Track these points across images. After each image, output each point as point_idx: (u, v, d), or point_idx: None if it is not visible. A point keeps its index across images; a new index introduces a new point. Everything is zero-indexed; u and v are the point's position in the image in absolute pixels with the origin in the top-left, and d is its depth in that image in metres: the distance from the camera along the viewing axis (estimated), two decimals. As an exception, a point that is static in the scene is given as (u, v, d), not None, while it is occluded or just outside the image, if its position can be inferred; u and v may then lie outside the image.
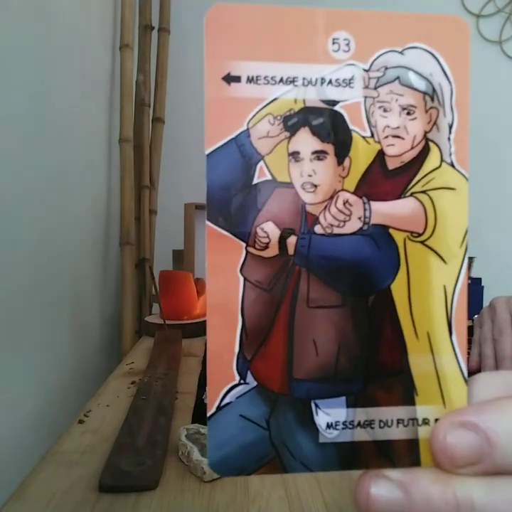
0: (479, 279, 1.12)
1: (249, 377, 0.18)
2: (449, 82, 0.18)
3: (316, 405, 0.18)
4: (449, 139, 0.18)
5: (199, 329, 0.91)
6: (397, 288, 0.18)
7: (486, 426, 0.15)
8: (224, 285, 0.17)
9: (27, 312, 0.60)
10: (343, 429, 0.18)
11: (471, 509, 0.15)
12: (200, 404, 0.55)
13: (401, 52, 0.18)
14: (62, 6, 0.74)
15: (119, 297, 0.99)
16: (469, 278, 1.13)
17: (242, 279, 0.17)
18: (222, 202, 0.17)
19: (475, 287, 1.09)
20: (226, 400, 0.17)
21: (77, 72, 0.82)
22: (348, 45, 0.18)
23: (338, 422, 0.18)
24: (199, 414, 0.53)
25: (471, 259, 1.14)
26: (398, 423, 0.17)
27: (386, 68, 0.18)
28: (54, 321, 0.70)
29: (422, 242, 0.18)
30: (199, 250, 1.06)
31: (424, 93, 0.18)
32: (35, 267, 0.63)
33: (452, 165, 0.18)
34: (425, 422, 0.17)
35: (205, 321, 0.70)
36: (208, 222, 0.17)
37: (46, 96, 0.68)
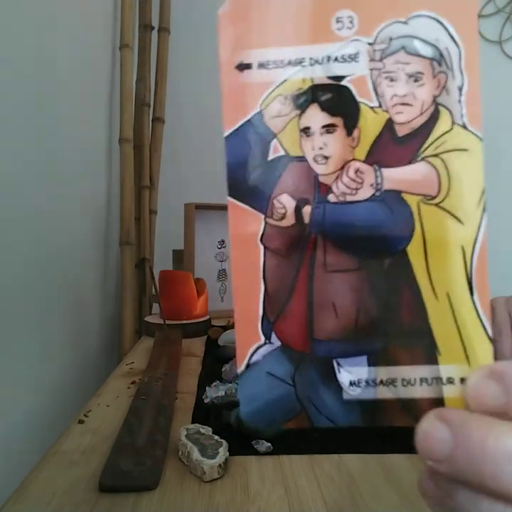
0: (479, 279, 1.12)
1: (274, 338, 0.19)
2: (457, 46, 0.18)
3: (338, 364, 0.19)
4: (459, 101, 0.18)
5: (199, 329, 0.91)
6: (413, 250, 0.18)
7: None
8: (246, 254, 0.19)
9: (27, 312, 0.60)
10: (365, 386, 0.18)
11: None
12: (200, 404, 0.55)
13: (405, 22, 0.19)
14: (62, 6, 0.74)
15: (119, 297, 0.99)
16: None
17: (262, 247, 0.19)
18: (241, 178, 0.19)
19: (475, 287, 1.09)
20: (254, 359, 0.19)
21: (77, 72, 0.82)
22: (351, 21, 0.19)
23: (361, 379, 0.18)
24: (199, 414, 0.53)
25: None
26: (422, 382, 0.18)
27: (391, 39, 0.19)
28: (54, 321, 0.70)
29: (437, 205, 0.18)
30: (199, 250, 1.06)
31: (431, 59, 0.19)
32: (36, 267, 0.63)
33: (464, 126, 0.18)
34: (450, 381, 0.18)
35: (205, 321, 0.71)
36: (228, 198, 0.19)
37: (46, 96, 0.68)
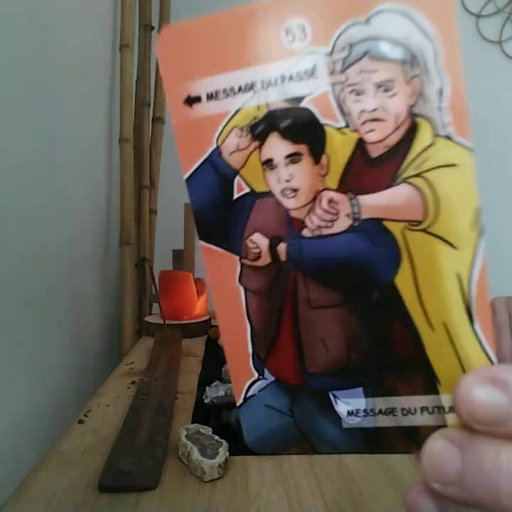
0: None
1: (267, 373, 0.19)
2: (431, 42, 0.16)
3: (334, 396, 0.18)
4: (440, 108, 0.16)
5: (199, 329, 0.91)
6: (402, 281, 0.17)
7: None
8: (227, 296, 0.18)
9: (27, 312, 0.60)
10: (364, 416, 0.18)
11: None
12: (200, 404, 0.55)
13: (366, 22, 0.16)
14: (62, 6, 0.74)
15: (119, 297, 0.99)
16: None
17: (242, 288, 0.18)
18: (209, 221, 0.18)
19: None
20: (250, 393, 0.19)
21: (77, 72, 0.82)
22: (303, 31, 0.16)
23: (359, 410, 0.18)
24: (199, 414, 0.53)
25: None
26: (422, 411, 0.17)
27: (351, 46, 0.16)
28: (54, 321, 0.70)
29: (424, 230, 0.17)
30: (199, 250, 1.05)
31: (402, 61, 0.16)
32: (35, 268, 0.63)
33: (449, 137, 0.16)
34: (453, 409, 0.17)
35: (205, 321, 0.71)
36: (201, 242, 0.18)
37: (46, 96, 0.68)
